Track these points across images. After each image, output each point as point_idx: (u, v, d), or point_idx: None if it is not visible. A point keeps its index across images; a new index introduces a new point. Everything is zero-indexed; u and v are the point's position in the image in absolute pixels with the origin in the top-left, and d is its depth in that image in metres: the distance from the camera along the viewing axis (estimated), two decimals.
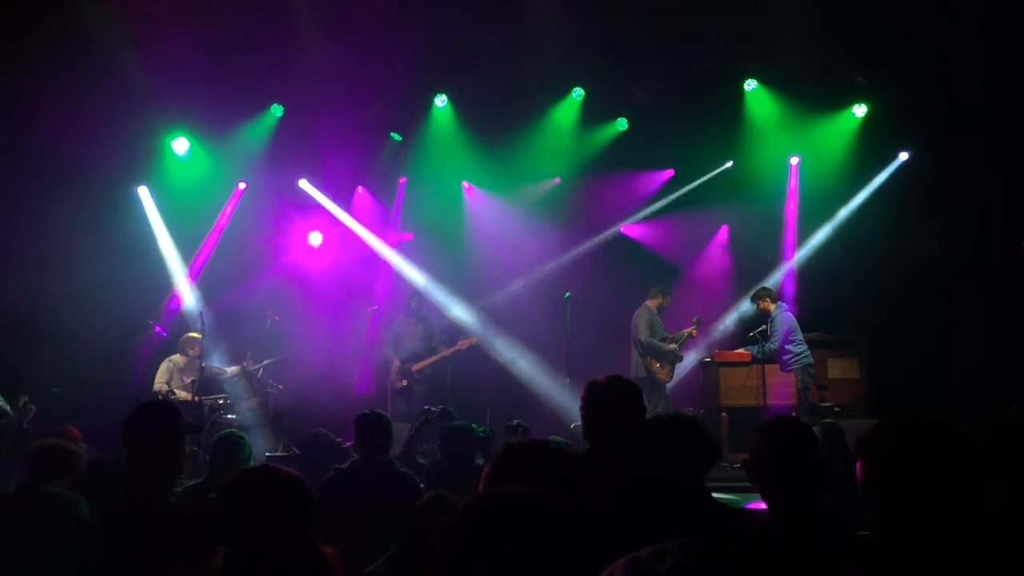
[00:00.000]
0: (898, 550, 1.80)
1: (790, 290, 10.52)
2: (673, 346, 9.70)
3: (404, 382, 9.99)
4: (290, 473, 2.29)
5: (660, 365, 9.65)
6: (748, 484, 3.09)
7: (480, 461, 5.43)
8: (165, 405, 3.57)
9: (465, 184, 11.49)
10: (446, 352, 10.10)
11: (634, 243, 11.60)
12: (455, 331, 10.50)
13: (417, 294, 10.49)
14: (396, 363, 10.06)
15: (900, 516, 1.80)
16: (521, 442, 2.41)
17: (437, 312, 10.73)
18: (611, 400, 3.42)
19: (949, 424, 1.88)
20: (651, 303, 9.88)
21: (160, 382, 9.39)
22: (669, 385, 9.80)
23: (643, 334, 9.66)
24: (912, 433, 1.88)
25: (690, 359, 10.44)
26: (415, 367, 10.02)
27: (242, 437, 5.08)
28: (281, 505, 2.19)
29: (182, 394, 9.26)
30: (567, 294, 10.02)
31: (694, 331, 9.88)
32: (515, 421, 6.69)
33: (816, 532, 2.48)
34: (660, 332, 9.76)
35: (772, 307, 9.39)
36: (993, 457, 2.77)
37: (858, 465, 1.94)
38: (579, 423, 3.65)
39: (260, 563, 2.13)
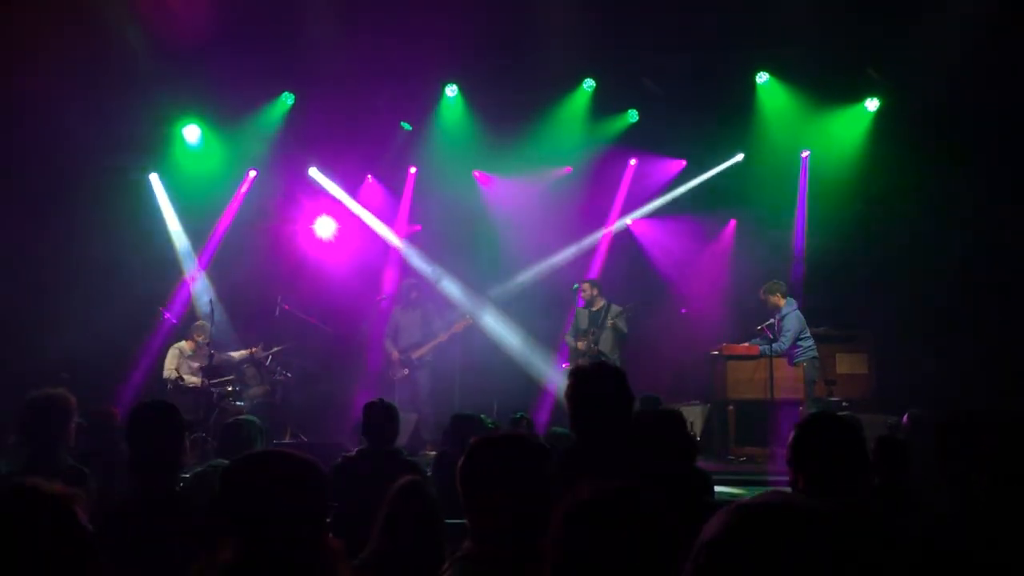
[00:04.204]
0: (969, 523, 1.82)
1: (799, 284, 10.48)
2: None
3: (405, 371, 9.99)
4: (302, 456, 2.12)
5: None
6: (754, 478, 3.10)
7: None
8: (164, 404, 3.58)
9: (476, 173, 11.47)
10: (444, 336, 10.10)
11: (643, 234, 11.58)
12: (454, 316, 10.49)
13: (415, 284, 10.43)
14: (395, 355, 10.07)
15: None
16: (491, 437, 2.34)
17: (436, 299, 10.71)
18: (600, 387, 3.18)
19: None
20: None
21: (169, 369, 9.43)
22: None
23: None
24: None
25: (699, 351, 10.46)
26: (415, 354, 10.03)
27: (250, 423, 5.03)
28: (291, 490, 2.00)
29: (191, 380, 9.30)
30: (575, 285, 10.03)
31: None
32: (519, 413, 6.73)
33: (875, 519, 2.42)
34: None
35: (782, 302, 9.27)
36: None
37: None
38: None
39: (271, 554, 1.96)
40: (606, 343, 9.68)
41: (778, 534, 1.19)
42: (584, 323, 9.86)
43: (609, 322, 9.66)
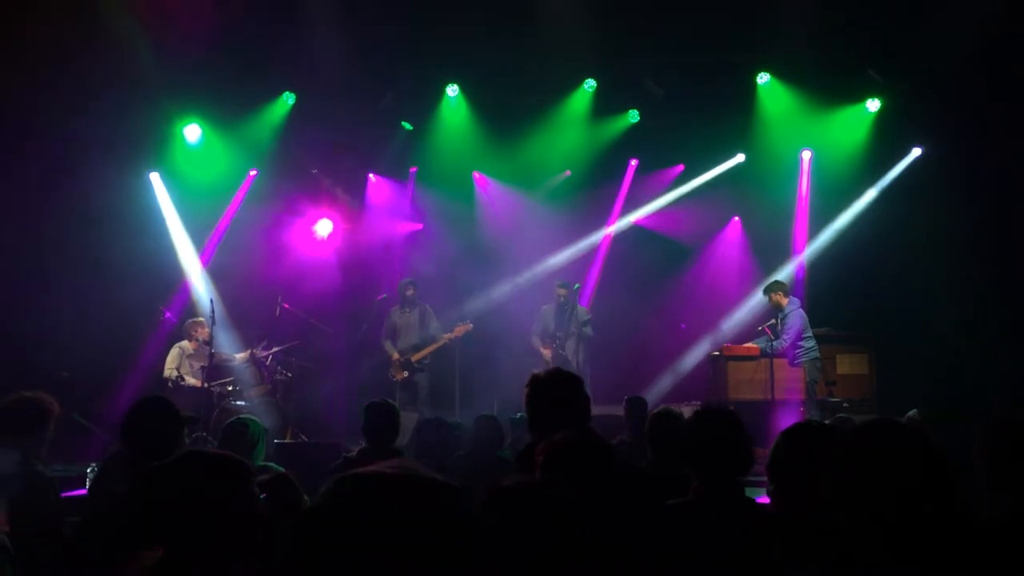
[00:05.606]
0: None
1: (800, 285, 10.48)
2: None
3: (405, 373, 9.97)
4: (219, 454, 2.14)
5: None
6: (755, 479, 3.08)
7: (503, 454, 5.53)
8: (162, 400, 3.58)
9: (476, 174, 11.47)
10: (444, 339, 10.07)
11: (644, 235, 11.57)
12: (453, 318, 10.46)
13: (412, 283, 10.35)
14: (395, 356, 10.04)
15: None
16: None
17: (434, 299, 10.68)
18: (558, 393, 3.23)
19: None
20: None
21: (170, 368, 9.42)
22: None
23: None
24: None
25: (698, 353, 10.46)
26: (415, 357, 9.99)
27: (251, 423, 5.00)
28: (210, 488, 2.00)
29: (191, 380, 9.30)
30: (575, 285, 10.01)
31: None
32: (519, 415, 6.70)
33: None
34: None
35: (785, 301, 9.26)
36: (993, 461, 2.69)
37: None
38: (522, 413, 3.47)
39: (193, 554, 1.96)
40: (571, 347, 9.69)
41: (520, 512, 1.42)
42: (551, 325, 9.88)
43: (573, 329, 9.75)
